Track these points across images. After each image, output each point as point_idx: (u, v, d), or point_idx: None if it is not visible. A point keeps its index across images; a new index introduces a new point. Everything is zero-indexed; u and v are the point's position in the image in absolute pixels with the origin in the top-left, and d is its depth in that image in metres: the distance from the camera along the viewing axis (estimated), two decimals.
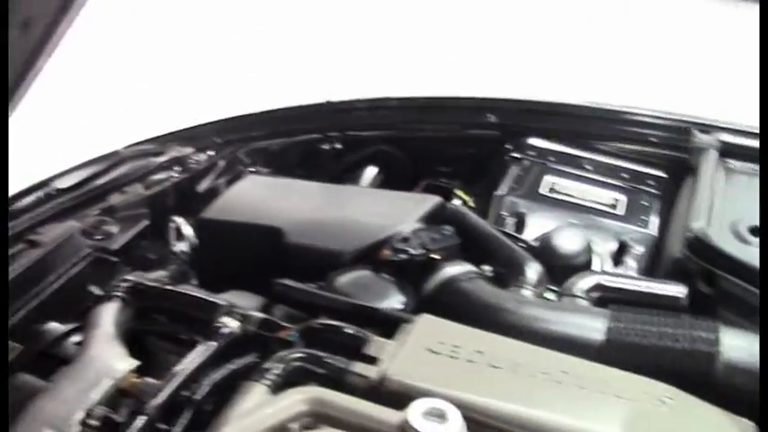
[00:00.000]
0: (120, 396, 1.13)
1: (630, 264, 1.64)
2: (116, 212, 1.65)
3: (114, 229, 1.60)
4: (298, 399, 1.05)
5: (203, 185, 1.82)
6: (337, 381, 1.11)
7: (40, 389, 1.17)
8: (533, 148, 1.94)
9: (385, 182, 1.98)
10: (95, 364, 1.17)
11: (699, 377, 1.22)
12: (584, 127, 1.97)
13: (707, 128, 1.89)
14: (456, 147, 2.00)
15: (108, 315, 1.28)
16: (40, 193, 1.63)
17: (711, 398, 1.14)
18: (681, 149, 1.87)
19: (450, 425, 0.98)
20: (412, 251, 1.42)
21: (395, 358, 1.12)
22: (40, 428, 1.06)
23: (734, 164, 1.82)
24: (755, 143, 1.85)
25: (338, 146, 2.00)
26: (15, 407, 1.09)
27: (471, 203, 1.88)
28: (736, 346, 1.24)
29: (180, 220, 1.62)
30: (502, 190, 1.78)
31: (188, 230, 1.62)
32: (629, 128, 1.97)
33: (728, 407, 1.14)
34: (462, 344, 1.15)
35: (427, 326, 1.21)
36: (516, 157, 1.91)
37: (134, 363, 1.17)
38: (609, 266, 1.63)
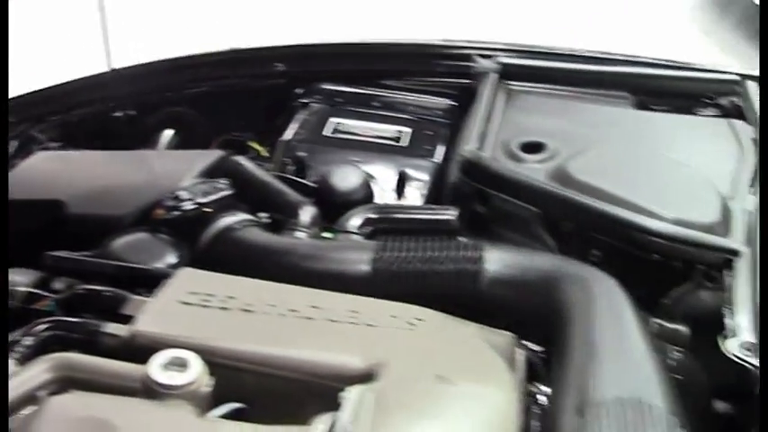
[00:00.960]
0: None
1: (414, 194, 1.67)
2: None
3: None
4: (43, 367, 1.05)
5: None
6: (91, 344, 1.11)
7: None
8: (321, 91, 1.96)
9: (183, 143, 1.97)
10: None
11: (465, 296, 1.27)
12: (371, 65, 1.99)
13: (490, 52, 1.93)
14: (247, 99, 1.99)
15: None
16: None
17: (480, 315, 1.20)
18: (467, 76, 1.91)
19: (190, 373, 1.00)
20: (184, 207, 1.43)
21: (145, 313, 1.13)
22: None
23: (514, 85, 1.88)
24: (534, 63, 1.92)
25: (131, 112, 1.97)
26: None
27: (265, 153, 1.89)
28: (499, 260, 1.29)
29: None
30: (286, 136, 1.79)
31: None
32: (416, 61, 2.00)
33: (496, 322, 1.19)
34: (216, 292, 1.17)
35: (184, 278, 1.22)
36: (305, 103, 1.92)
37: None
38: (391, 199, 1.66)
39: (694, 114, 1.84)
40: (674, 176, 1.51)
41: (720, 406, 1.27)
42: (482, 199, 1.53)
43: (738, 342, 1.12)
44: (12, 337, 1.16)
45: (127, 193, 1.53)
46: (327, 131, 1.81)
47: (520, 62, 1.90)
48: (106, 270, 1.29)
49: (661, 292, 1.37)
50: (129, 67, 1.99)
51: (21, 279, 1.32)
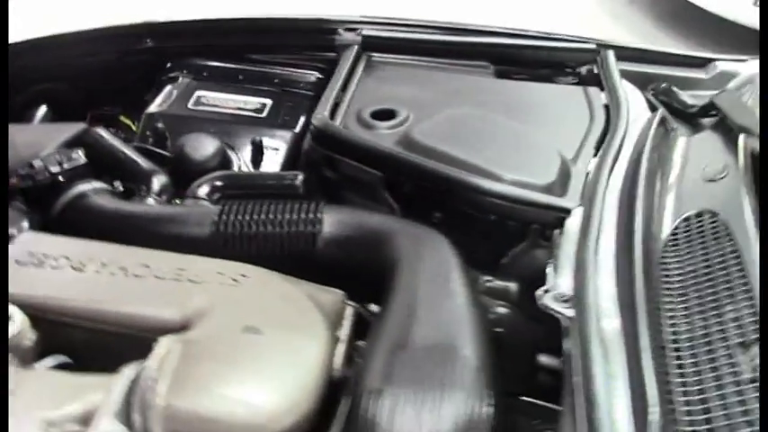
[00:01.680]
0: None
1: (271, 163, 1.73)
2: None
3: None
4: None
5: None
6: None
7: None
8: (190, 66, 2.01)
9: (58, 119, 2.00)
10: None
11: (304, 257, 1.33)
12: (239, 40, 2.04)
13: (355, 25, 1.99)
14: (117, 75, 2.03)
15: None
16: None
17: (318, 275, 1.25)
18: (332, 49, 1.97)
19: (12, 327, 1.05)
20: (37, 176, 1.47)
21: None
22: None
23: (376, 56, 1.94)
24: (395, 34, 1.98)
25: None
26: None
27: (134, 128, 1.93)
28: (335, 221, 1.36)
29: None
30: (150, 109, 1.84)
31: None
32: (283, 35, 2.05)
33: (334, 282, 1.25)
34: (52, 253, 1.22)
35: (23, 240, 1.27)
36: (172, 77, 1.97)
37: None
38: (247, 168, 1.71)
39: (552, 83, 1.91)
40: (517, 141, 1.57)
41: (544, 360, 1.34)
42: (331, 165, 1.59)
43: (553, 294, 1.18)
44: None
45: None
46: (191, 104, 1.86)
47: (381, 34, 1.96)
48: None
49: (500, 252, 1.44)
50: None
51: None
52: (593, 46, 1.96)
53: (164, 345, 1.02)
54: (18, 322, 1.06)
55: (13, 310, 1.07)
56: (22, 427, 0.92)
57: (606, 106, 1.71)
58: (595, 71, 1.89)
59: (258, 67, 2.02)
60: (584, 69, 1.94)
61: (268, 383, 1.00)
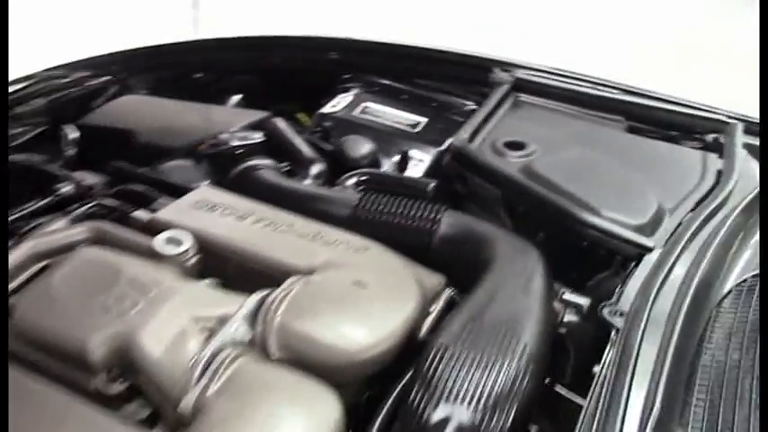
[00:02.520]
0: None
1: (413, 171, 2.02)
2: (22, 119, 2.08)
3: None
4: (84, 227, 1.46)
5: (97, 102, 2.24)
6: (122, 221, 1.52)
7: None
8: (363, 80, 2.34)
9: (246, 105, 2.38)
10: None
11: (420, 249, 1.59)
12: (409, 66, 2.36)
13: (509, 66, 2.27)
14: (303, 77, 2.39)
15: None
16: None
17: (428, 266, 1.51)
18: (486, 84, 2.25)
19: (182, 247, 1.39)
20: (221, 147, 1.83)
21: (166, 208, 1.53)
22: None
23: (524, 97, 2.20)
24: (544, 80, 2.23)
25: (210, 76, 2.41)
26: None
27: (307, 123, 2.27)
28: (451, 223, 1.62)
29: (69, 127, 2.04)
30: (324, 110, 2.18)
31: (74, 135, 2.03)
32: (447, 66, 2.35)
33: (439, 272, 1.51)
34: (222, 204, 1.56)
35: (202, 191, 1.62)
36: (346, 87, 2.31)
37: None
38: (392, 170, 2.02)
39: (678, 145, 2.10)
40: (624, 186, 1.77)
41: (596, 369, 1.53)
42: (461, 180, 1.86)
43: (611, 308, 1.38)
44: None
45: (185, 131, 1.95)
46: (356, 112, 2.18)
47: (532, 78, 2.21)
48: (148, 179, 1.70)
49: (587, 276, 1.66)
50: (213, 39, 2.42)
51: (90, 178, 1.75)
52: (723, 117, 2.11)
53: (290, 281, 1.33)
54: (188, 244, 1.40)
55: (184, 235, 1.41)
56: (175, 319, 1.24)
57: (719, 172, 1.87)
58: (721, 140, 2.03)
59: (421, 90, 2.32)
60: (710, 137, 2.08)
61: (363, 324, 1.28)
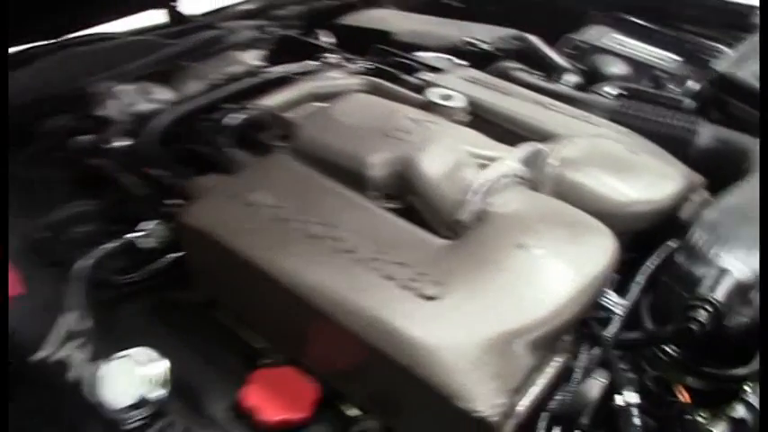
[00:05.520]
0: None
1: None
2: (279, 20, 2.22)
3: None
4: (362, 80, 1.54)
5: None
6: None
7: None
8: (614, 16, 2.33)
9: None
10: None
11: (678, 148, 1.54)
12: (661, 4, 2.33)
13: None
14: (551, 7, 2.42)
15: None
16: None
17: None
18: (743, 29, 2.17)
19: (456, 102, 1.42)
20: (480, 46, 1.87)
21: (435, 76, 1.57)
22: None
23: None
24: None
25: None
26: None
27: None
28: (708, 133, 1.59)
29: (321, 31, 2.14)
30: (573, 35, 2.18)
31: (328, 38, 2.13)
32: (699, 9, 2.31)
33: None
34: (484, 80, 1.60)
35: (467, 70, 1.65)
36: (597, 19, 2.31)
37: None
38: None
39: None
40: None
41: None
42: (720, 105, 1.81)
43: None
44: None
45: (441, 36, 2.04)
46: (606, 40, 2.17)
47: None
48: (414, 60, 1.76)
49: None
50: None
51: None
52: None
53: (563, 141, 1.33)
54: (460, 101, 1.43)
55: (456, 94, 1.44)
56: (454, 150, 1.26)
57: None
58: None
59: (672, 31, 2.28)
60: None
61: (635, 184, 1.27)
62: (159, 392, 1.03)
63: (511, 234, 1.08)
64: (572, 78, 1.90)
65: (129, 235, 1.27)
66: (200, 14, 2.64)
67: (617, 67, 1.97)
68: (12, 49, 2.03)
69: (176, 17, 2.53)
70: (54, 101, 1.74)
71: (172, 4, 2.48)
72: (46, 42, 2.15)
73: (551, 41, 2.13)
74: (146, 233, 1.27)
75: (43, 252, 1.32)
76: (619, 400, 1.04)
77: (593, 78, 1.95)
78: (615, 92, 1.84)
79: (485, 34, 2.05)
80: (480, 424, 0.89)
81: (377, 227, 1.12)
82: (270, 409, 1.04)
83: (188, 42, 2.05)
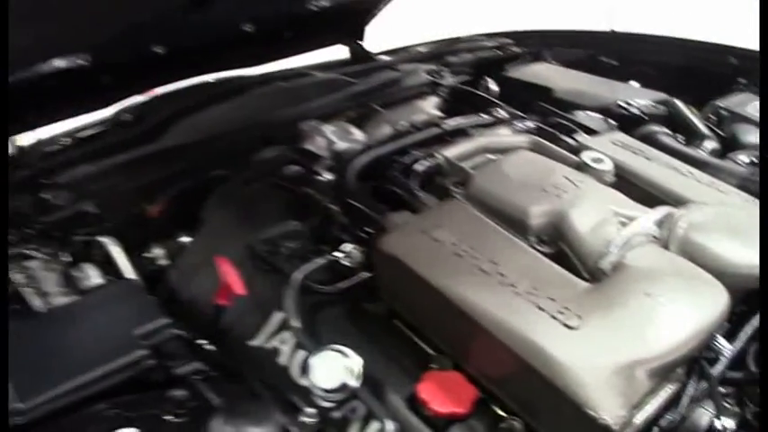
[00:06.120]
0: None
1: None
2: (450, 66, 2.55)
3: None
4: (527, 138, 1.83)
5: (512, 64, 2.66)
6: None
7: None
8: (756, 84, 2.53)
9: None
10: None
11: None
12: None
13: None
14: (699, 75, 2.63)
15: None
16: None
17: None
18: None
19: (605, 166, 1.70)
20: (631, 110, 2.14)
21: (589, 139, 1.85)
22: None
23: None
24: None
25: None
26: None
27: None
28: None
29: (489, 79, 2.46)
30: (718, 101, 2.39)
31: (494, 87, 2.44)
32: None
33: None
34: (632, 145, 1.86)
35: (617, 134, 1.92)
36: (742, 88, 2.51)
37: None
38: None
39: None
40: None
41: None
42: None
43: None
44: None
45: (595, 95, 2.30)
46: (749, 108, 2.37)
47: None
48: (570, 120, 2.04)
49: None
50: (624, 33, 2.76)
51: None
52: None
53: (691, 206, 1.58)
54: (609, 165, 1.70)
55: (606, 158, 1.71)
56: (600, 208, 1.53)
57: None
58: None
59: None
60: None
61: (750, 249, 1.48)
62: (355, 381, 1.34)
63: (641, 284, 1.35)
64: (710, 145, 2.13)
65: (333, 254, 1.60)
66: (379, 53, 3.01)
67: (754, 136, 2.18)
68: (218, 77, 2.44)
69: (359, 53, 2.90)
70: (264, 131, 2.11)
71: (358, 42, 2.85)
72: (249, 75, 2.56)
73: (698, 105, 2.37)
74: (345, 254, 1.59)
75: (262, 261, 1.67)
76: (718, 424, 1.30)
77: (731, 145, 2.17)
78: (748, 160, 2.06)
79: (635, 95, 2.31)
80: (605, 430, 1.17)
81: (533, 267, 1.41)
82: (439, 403, 1.34)
83: (369, 83, 2.41)
